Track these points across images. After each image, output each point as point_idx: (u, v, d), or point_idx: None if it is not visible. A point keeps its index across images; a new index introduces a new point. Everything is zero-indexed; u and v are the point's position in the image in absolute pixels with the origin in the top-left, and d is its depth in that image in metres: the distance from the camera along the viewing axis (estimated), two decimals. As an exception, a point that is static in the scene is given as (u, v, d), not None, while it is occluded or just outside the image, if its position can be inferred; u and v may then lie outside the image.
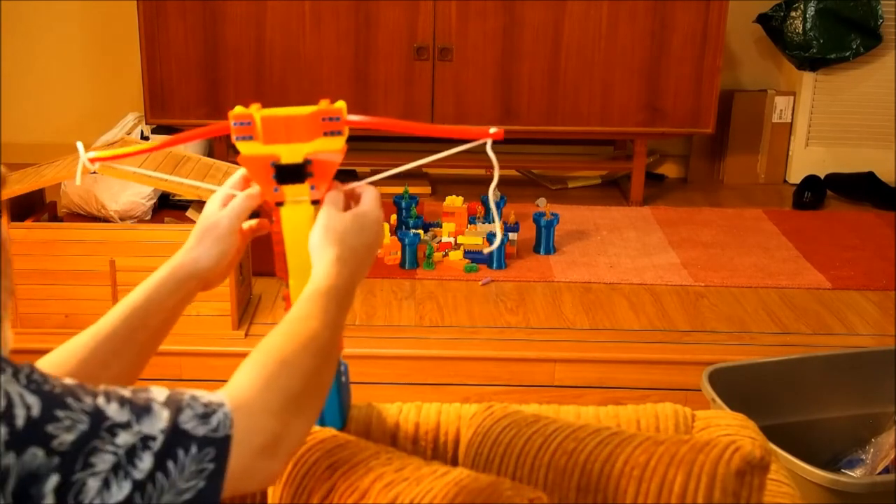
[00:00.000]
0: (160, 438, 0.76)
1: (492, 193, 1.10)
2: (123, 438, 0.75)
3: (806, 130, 3.96)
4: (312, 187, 1.07)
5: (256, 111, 1.06)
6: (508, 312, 2.70)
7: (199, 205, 3.10)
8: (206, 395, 0.82)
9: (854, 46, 3.74)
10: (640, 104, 3.48)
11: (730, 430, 1.29)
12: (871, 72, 3.87)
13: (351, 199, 1.08)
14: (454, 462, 1.24)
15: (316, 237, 1.03)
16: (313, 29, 3.38)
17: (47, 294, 2.44)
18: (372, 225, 1.05)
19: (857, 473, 2.08)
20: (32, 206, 2.59)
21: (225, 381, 0.86)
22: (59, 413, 0.73)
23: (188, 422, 0.78)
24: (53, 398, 0.74)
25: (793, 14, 3.74)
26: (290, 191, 1.08)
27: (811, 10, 3.70)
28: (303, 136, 1.05)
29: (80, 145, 1.15)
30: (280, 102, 1.10)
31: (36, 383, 0.74)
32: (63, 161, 2.48)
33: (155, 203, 3.26)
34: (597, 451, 1.12)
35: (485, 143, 1.06)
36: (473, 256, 2.98)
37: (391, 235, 3.02)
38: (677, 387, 2.41)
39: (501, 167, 1.05)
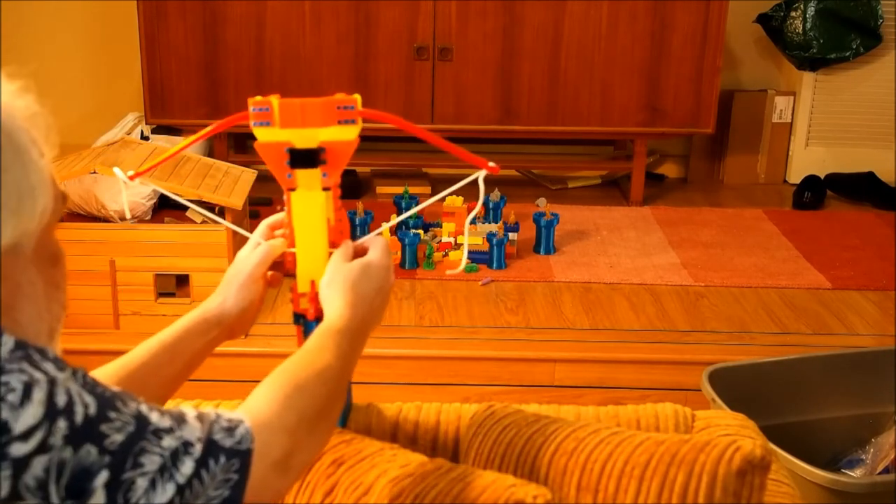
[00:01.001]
0: (198, 446, 0.81)
1: (468, 224, 1.17)
2: (168, 442, 0.79)
3: (806, 130, 3.96)
4: (325, 175, 1.11)
5: (275, 98, 1.10)
6: (508, 312, 2.70)
7: (200, 205, 3.09)
8: (227, 413, 0.87)
9: (854, 46, 3.74)
10: (640, 104, 3.48)
11: (730, 429, 1.30)
12: (871, 72, 3.88)
13: (362, 252, 1.14)
14: (454, 462, 1.24)
15: (325, 285, 1.09)
16: (313, 29, 3.38)
17: (47, 294, 2.43)
18: (378, 272, 1.11)
19: (857, 473, 2.08)
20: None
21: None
22: (111, 414, 0.77)
23: (217, 433, 0.83)
24: (106, 400, 0.78)
25: (793, 14, 3.74)
26: (303, 176, 1.11)
27: (811, 10, 3.71)
28: (317, 121, 1.09)
29: (118, 171, 1.20)
30: (281, 102, 1.13)
31: (90, 385, 0.78)
32: (62, 161, 2.47)
33: (155, 203, 3.26)
34: (597, 451, 1.12)
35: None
36: (473, 256, 2.98)
37: (391, 235, 3.02)
38: (677, 387, 2.41)
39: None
